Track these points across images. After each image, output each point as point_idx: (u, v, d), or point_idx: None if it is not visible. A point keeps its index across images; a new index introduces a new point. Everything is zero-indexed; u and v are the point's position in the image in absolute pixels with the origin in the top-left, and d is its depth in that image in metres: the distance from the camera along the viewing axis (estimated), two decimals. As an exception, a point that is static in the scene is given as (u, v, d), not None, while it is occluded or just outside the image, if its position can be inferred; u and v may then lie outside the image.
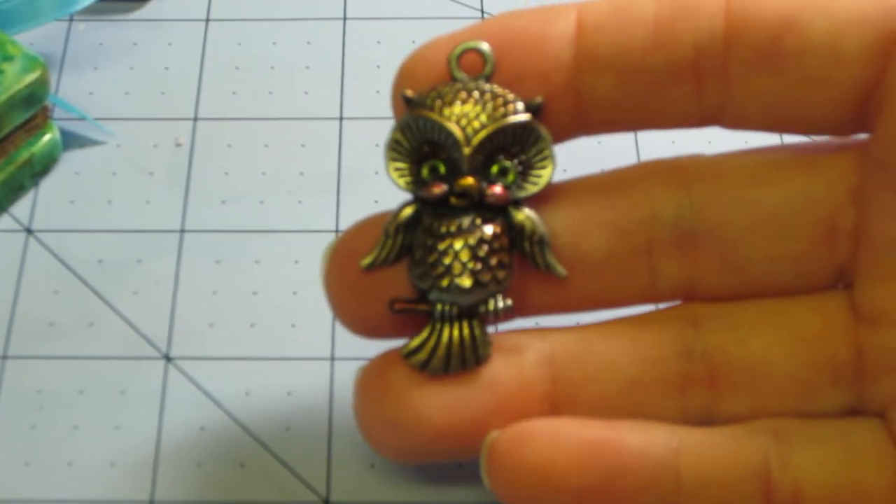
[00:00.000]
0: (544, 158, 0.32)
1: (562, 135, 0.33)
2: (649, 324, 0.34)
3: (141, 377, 0.41)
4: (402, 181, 0.33)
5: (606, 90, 0.32)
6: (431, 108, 0.32)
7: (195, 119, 0.48)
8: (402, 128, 0.32)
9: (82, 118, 0.47)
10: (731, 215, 0.33)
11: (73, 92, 0.48)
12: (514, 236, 0.32)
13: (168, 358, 0.41)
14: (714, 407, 0.33)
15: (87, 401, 0.40)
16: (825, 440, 0.32)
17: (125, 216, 0.45)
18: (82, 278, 0.43)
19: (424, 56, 0.33)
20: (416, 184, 0.32)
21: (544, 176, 0.33)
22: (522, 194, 0.32)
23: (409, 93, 0.32)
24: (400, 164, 0.32)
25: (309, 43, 0.50)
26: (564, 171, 0.34)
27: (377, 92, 0.48)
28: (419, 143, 0.32)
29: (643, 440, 0.32)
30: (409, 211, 0.33)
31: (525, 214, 0.32)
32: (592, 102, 0.33)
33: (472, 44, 0.32)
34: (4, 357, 0.41)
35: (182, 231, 0.45)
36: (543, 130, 0.32)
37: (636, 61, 0.32)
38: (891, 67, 0.31)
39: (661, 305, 0.35)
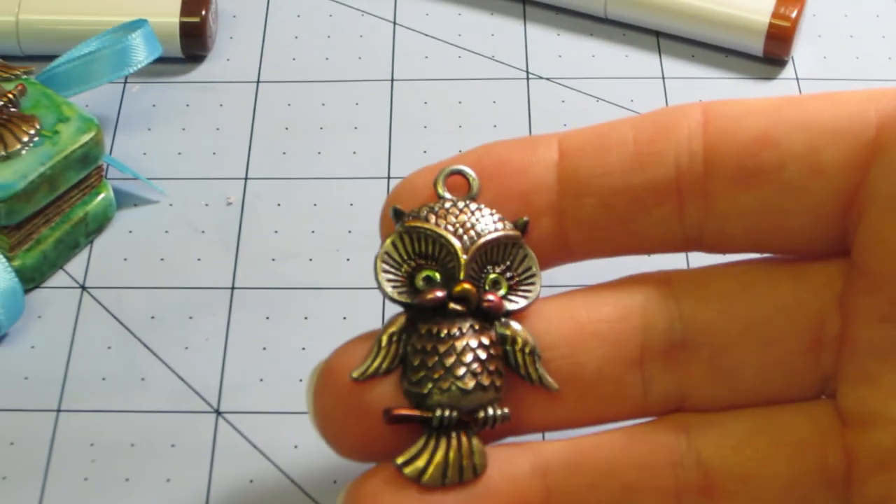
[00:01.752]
0: (532, 276, 0.33)
1: (545, 260, 0.33)
2: (642, 433, 0.33)
3: (191, 430, 0.41)
4: (393, 292, 0.32)
5: (589, 211, 0.32)
6: (426, 220, 0.32)
7: (246, 178, 0.48)
8: (395, 240, 0.32)
9: (136, 178, 0.47)
10: (721, 323, 0.33)
11: (126, 152, 0.49)
12: (506, 350, 0.32)
13: (218, 412, 0.41)
14: None
15: (138, 454, 0.40)
16: None
17: (177, 273, 0.45)
18: (135, 334, 0.44)
19: (412, 182, 0.33)
20: (409, 293, 0.32)
21: (533, 291, 0.33)
22: (513, 307, 0.32)
23: (400, 206, 0.32)
24: (391, 276, 0.32)
25: (357, 104, 0.50)
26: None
27: (424, 152, 0.48)
28: (411, 255, 0.32)
29: None
30: (401, 320, 0.32)
31: (513, 328, 0.32)
32: (575, 225, 0.33)
33: (456, 167, 0.33)
34: (59, 410, 0.41)
35: (233, 288, 0.45)
36: (529, 249, 0.33)
37: (617, 182, 0.32)
38: (869, 177, 0.31)
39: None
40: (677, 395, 0.33)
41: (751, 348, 0.33)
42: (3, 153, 0.42)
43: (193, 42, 0.51)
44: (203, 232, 0.46)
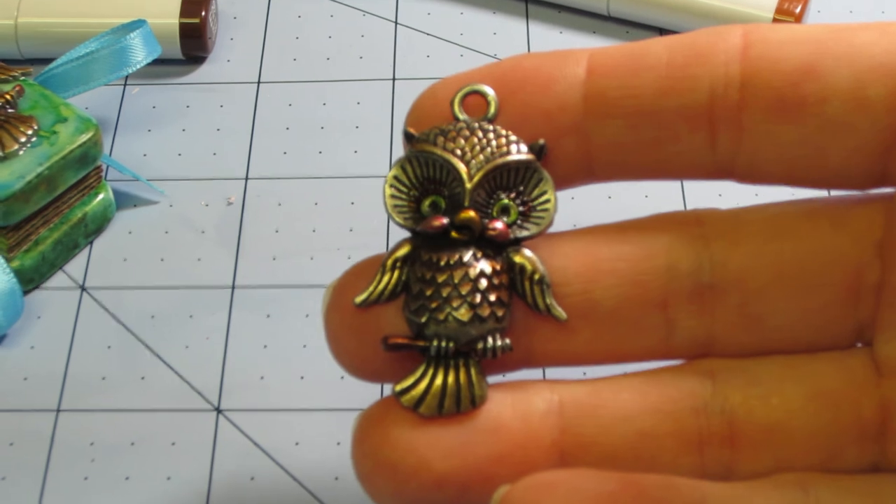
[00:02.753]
0: (546, 201, 0.32)
1: (567, 180, 0.32)
2: (664, 378, 0.32)
3: (192, 429, 0.41)
4: (400, 217, 0.32)
5: (615, 134, 0.31)
6: (434, 144, 0.31)
7: (246, 178, 0.48)
8: (403, 164, 0.32)
9: (135, 178, 0.47)
10: (753, 268, 0.31)
11: (126, 153, 0.49)
12: (513, 277, 0.31)
13: (219, 410, 0.41)
14: (733, 465, 0.32)
15: (138, 452, 0.41)
16: (853, 493, 0.30)
17: (177, 273, 0.45)
18: (135, 333, 0.44)
19: (434, 94, 0.32)
20: (416, 219, 0.32)
21: (546, 217, 0.32)
22: (523, 234, 0.32)
23: (412, 130, 0.32)
24: (399, 201, 0.32)
25: (358, 103, 0.50)
26: (574, 225, 0.33)
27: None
28: (420, 179, 0.32)
29: (665, 493, 0.30)
30: (406, 247, 0.32)
31: (524, 255, 0.31)
32: (600, 147, 0.32)
33: (474, 86, 0.32)
34: (58, 410, 0.41)
35: (233, 287, 0.45)
36: (545, 172, 0.31)
37: (647, 105, 0.31)
38: None
39: (676, 362, 0.33)
40: (704, 340, 0.32)
41: (783, 295, 0.31)
42: (1, 154, 0.42)
43: (193, 43, 0.51)
44: (203, 232, 0.46)
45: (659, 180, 0.33)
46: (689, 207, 0.33)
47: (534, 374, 0.33)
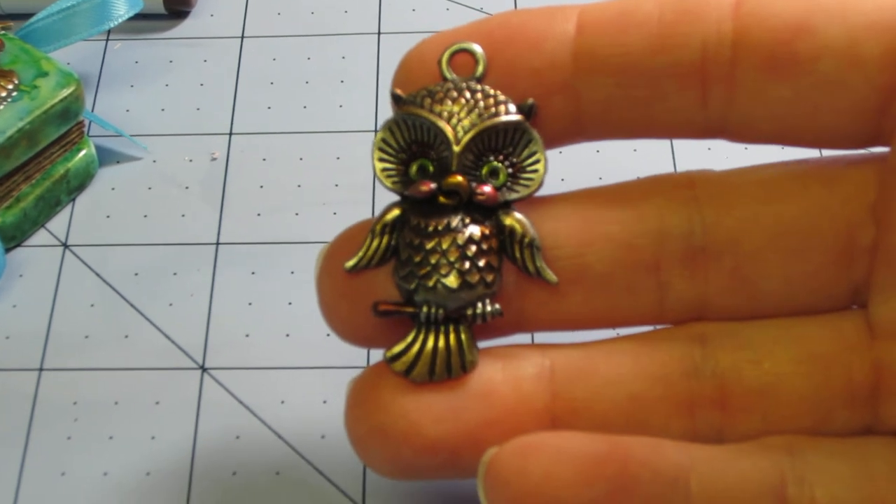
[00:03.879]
0: (536, 161, 0.31)
1: (557, 139, 0.32)
2: (655, 341, 0.32)
3: (176, 387, 0.41)
4: (388, 181, 0.31)
5: (605, 92, 0.31)
6: (421, 106, 0.31)
7: (230, 134, 0.48)
8: (391, 126, 0.31)
9: (118, 134, 0.47)
10: (745, 231, 0.31)
11: (109, 109, 0.48)
12: (504, 240, 0.31)
13: (203, 368, 0.41)
14: (724, 428, 0.32)
15: (122, 411, 0.40)
16: (841, 456, 0.30)
17: (161, 230, 0.45)
18: (118, 291, 0.43)
19: (421, 53, 0.32)
20: (404, 183, 0.31)
21: (536, 179, 0.31)
22: (513, 196, 0.31)
23: (399, 91, 0.31)
24: (388, 165, 0.32)
25: (343, 57, 0.50)
26: (562, 180, 0.33)
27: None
28: (408, 142, 0.31)
29: (652, 455, 0.30)
30: (395, 212, 0.31)
31: (514, 217, 0.31)
32: (590, 105, 0.31)
33: (462, 45, 0.31)
34: (41, 369, 0.41)
35: (217, 244, 0.44)
36: (534, 133, 0.31)
37: (637, 62, 0.31)
38: None
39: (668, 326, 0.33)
40: (696, 304, 0.32)
41: (776, 258, 0.31)
42: (-19, 109, 0.41)
43: (176, -2, 0.50)
44: (187, 188, 0.46)
45: (649, 139, 0.33)
46: (678, 162, 0.33)
47: (524, 338, 0.33)
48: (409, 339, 0.31)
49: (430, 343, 0.31)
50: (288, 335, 0.42)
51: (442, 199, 0.31)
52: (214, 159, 0.47)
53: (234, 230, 0.45)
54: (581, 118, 0.32)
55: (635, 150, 0.45)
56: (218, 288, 0.43)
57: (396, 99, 0.31)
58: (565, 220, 0.32)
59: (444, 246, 0.31)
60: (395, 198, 0.32)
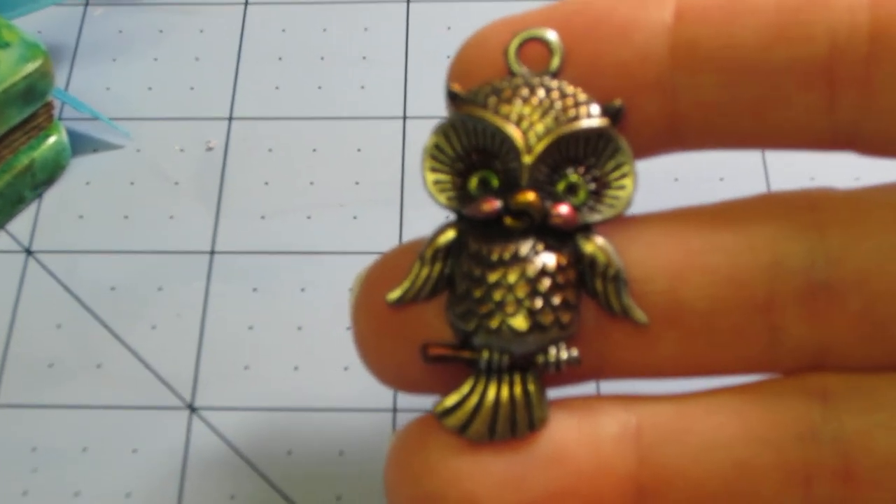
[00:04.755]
0: (623, 175, 0.29)
1: (647, 148, 0.30)
2: (764, 396, 0.30)
3: (159, 432, 0.38)
4: (442, 196, 0.29)
5: (708, 93, 0.29)
6: (485, 107, 0.29)
7: (230, 119, 0.46)
8: (446, 130, 0.29)
9: (95, 118, 0.45)
10: (879, 265, 0.29)
11: (86, 87, 0.46)
12: (583, 271, 0.29)
13: (192, 408, 0.39)
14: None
15: (91, 461, 0.38)
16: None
17: (144, 235, 0.43)
18: (90, 309, 0.41)
19: (484, 41, 0.30)
20: (462, 199, 0.29)
21: (623, 197, 0.29)
22: (595, 218, 0.29)
23: (457, 87, 0.29)
24: (442, 176, 0.30)
25: (366, 29, 0.48)
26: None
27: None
28: (467, 150, 0.29)
29: None
30: (451, 233, 0.29)
31: (596, 244, 0.29)
32: (689, 108, 0.30)
33: (534, 32, 0.29)
34: None
35: (212, 252, 0.42)
36: (622, 141, 0.29)
37: (749, 58, 0.29)
38: None
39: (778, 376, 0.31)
40: (815, 351, 0.30)
41: None
42: (-74, 85, 0.40)
43: (168, -45, 0.49)
44: (177, 183, 0.44)
45: (760, 148, 0.31)
46: (769, 166, 0.33)
47: (604, 388, 0.32)
48: (466, 389, 0.29)
49: (491, 395, 0.29)
50: (297, 368, 0.39)
51: (509, 220, 0.28)
52: (210, 149, 0.45)
53: (233, 236, 0.43)
54: (678, 124, 0.30)
55: (722, 180, 0.43)
56: (212, 307, 0.41)
57: (454, 97, 0.29)
58: (658, 247, 0.30)
59: (511, 279, 0.28)
60: (443, 212, 0.30)
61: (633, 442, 0.29)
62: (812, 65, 0.29)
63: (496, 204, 0.28)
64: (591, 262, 0.29)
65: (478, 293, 0.28)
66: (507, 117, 0.29)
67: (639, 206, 0.31)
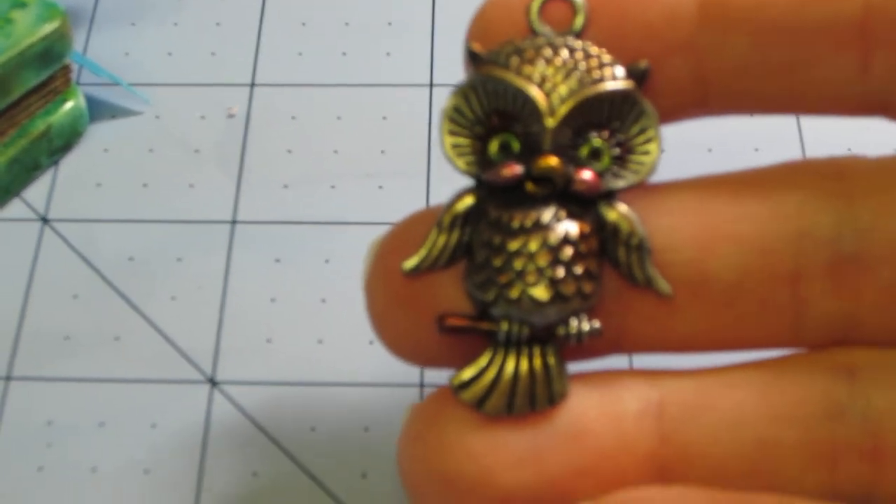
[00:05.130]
0: (648, 140, 0.29)
1: (674, 112, 0.30)
2: (790, 372, 0.30)
3: (178, 406, 0.38)
4: (461, 161, 0.29)
5: (737, 54, 0.29)
6: (506, 67, 0.28)
7: (252, 85, 0.45)
8: (466, 92, 0.29)
9: (114, 83, 0.45)
10: None
11: (104, 52, 0.46)
12: (606, 240, 0.29)
13: (213, 382, 0.39)
14: (876, 484, 0.29)
15: (108, 436, 0.38)
16: None
17: (163, 203, 0.43)
18: (108, 280, 0.41)
19: (501, 4, 0.30)
20: (482, 164, 0.29)
21: (647, 163, 0.29)
22: (619, 184, 0.29)
23: (478, 47, 0.29)
24: (461, 140, 0.29)
25: None
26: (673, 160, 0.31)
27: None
28: (487, 112, 0.29)
29: None
30: (469, 199, 0.29)
31: (620, 212, 0.29)
32: (718, 71, 0.29)
33: None
34: (8, 378, 0.38)
35: (234, 222, 0.42)
36: (647, 104, 0.29)
37: (781, 17, 0.28)
38: None
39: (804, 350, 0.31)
40: (843, 325, 0.29)
41: None
42: (-60, 46, 0.40)
43: (189, -84, 0.48)
44: (197, 151, 0.44)
45: (790, 113, 0.31)
46: (805, 132, 0.33)
47: (621, 360, 0.32)
48: (483, 361, 0.28)
49: (510, 368, 0.28)
50: (321, 341, 0.39)
51: (530, 186, 0.28)
52: (232, 116, 0.45)
53: (255, 206, 0.42)
54: (705, 87, 0.29)
55: (757, 150, 0.43)
56: (233, 279, 0.41)
57: (473, 57, 0.29)
58: (683, 216, 0.29)
59: (533, 247, 0.28)
60: (467, 181, 0.29)
61: (655, 419, 0.29)
62: (846, 24, 0.28)
63: (517, 169, 0.28)
64: (614, 230, 0.29)
65: (497, 262, 0.28)
66: (529, 78, 0.28)
67: (671, 178, 0.31)
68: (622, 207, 0.29)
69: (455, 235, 0.29)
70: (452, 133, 0.29)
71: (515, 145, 0.29)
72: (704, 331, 0.30)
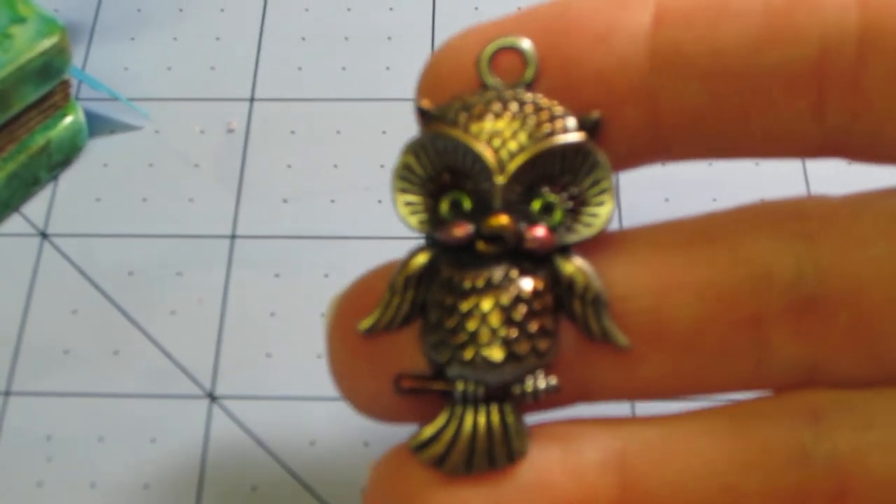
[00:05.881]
0: (602, 192, 0.29)
1: (629, 159, 0.29)
2: (753, 417, 0.29)
3: (178, 421, 0.38)
4: (414, 219, 0.29)
5: (692, 101, 0.28)
6: (455, 124, 0.28)
7: (251, 100, 0.45)
8: (416, 149, 0.29)
9: (114, 98, 0.45)
10: (871, 278, 0.28)
11: (103, 66, 0.46)
12: (561, 294, 0.29)
13: (212, 397, 0.39)
14: None
15: (108, 451, 0.38)
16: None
17: (163, 218, 0.42)
18: (107, 295, 0.41)
19: (455, 52, 0.29)
20: (434, 222, 0.29)
21: (601, 215, 0.28)
22: (573, 238, 0.28)
23: (426, 104, 0.29)
24: (413, 198, 0.29)
25: (391, 9, 0.48)
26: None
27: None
28: (437, 170, 0.29)
29: None
30: (423, 258, 0.28)
31: (576, 266, 0.28)
32: (671, 117, 0.28)
33: (508, 41, 0.28)
34: (7, 392, 0.38)
35: (233, 237, 0.42)
36: (601, 156, 0.28)
37: (735, 63, 0.28)
38: None
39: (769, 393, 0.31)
40: (806, 366, 0.29)
41: None
42: (-61, 61, 0.40)
43: (188, -68, 0.48)
44: (197, 165, 0.44)
45: (747, 157, 0.30)
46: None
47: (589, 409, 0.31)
48: (441, 421, 0.28)
49: (468, 426, 0.28)
50: (320, 356, 0.38)
51: (481, 245, 0.28)
52: (231, 131, 0.44)
53: (255, 220, 0.42)
54: (660, 133, 0.29)
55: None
56: (232, 293, 0.41)
57: (422, 114, 0.29)
58: (640, 264, 0.29)
59: (485, 308, 0.28)
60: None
61: (618, 469, 0.29)
62: (802, 68, 0.28)
63: (467, 228, 0.28)
64: (570, 284, 0.28)
65: (450, 323, 0.28)
66: (477, 135, 0.28)
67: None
68: (577, 261, 0.29)
69: (409, 295, 0.29)
70: (404, 191, 0.29)
71: (467, 203, 0.28)
72: (667, 378, 0.30)
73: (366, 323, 0.29)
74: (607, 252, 0.29)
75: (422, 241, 0.29)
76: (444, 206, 0.29)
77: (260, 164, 0.43)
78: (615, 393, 0.30)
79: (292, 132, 0.44)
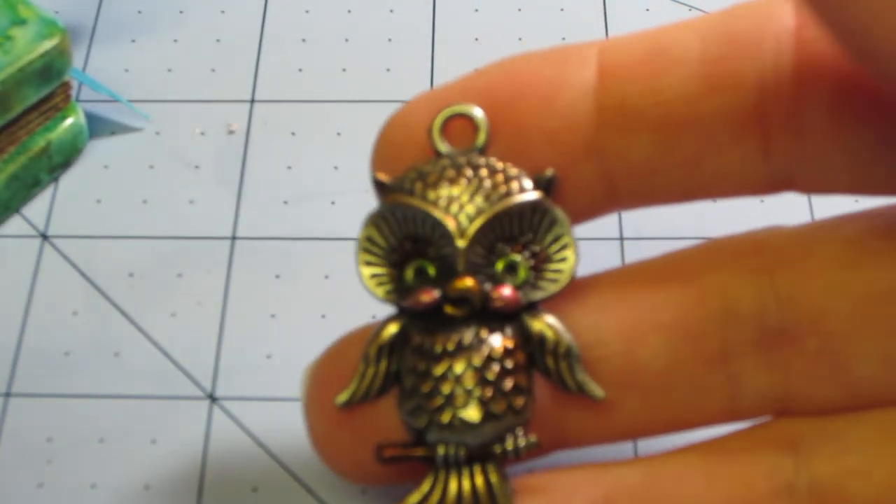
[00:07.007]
0: (563, 247, 0.29)
1: (586, 212, 0.30)
2: (734, 451, 0.30)
3: (178, 422, 0.38)
4: (380, 290, 0.29)
5: (641, 152, 0.29)
6: (412, 193, 0.29)
7: (252, 101, 0.45)
8: (377, 221, 0.29)
9: (114, 99, 0.44)
10: (831, 304, 0.29)
11: (104, 68, 0.46)
12: (533, 351, 0.29)
13: (213, 398, 0.38)
14: None
15: (108, 452, 0.37)
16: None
17: (163, 220, 0.42)
18: (108, 296, 0.40)
19: (405, 122, 0.30)
20: (400, 291, 0.29)
21: (565, 270, 0.29)
22: (539, 295, 0.29)
23: (382, 176, 0.29)
24: (377, 269, 0.29)
25: (391, 11, 0.47)
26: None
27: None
28: (399, 239, 0.29)
29: None
30: (393, 328, 0.29)
31: (544, 322, 0.29)
32: (623, 169, 0.29)
33: (457, 109, 0.29)
34: (7, 394, 0.38)
35: (234, 238, 0.42)
36: (559, 212, 0.29)
37: (679, 112, 0.28)
38: None
39: (746, 424, 0.31)
40: (779, 396, 0.30)
41: (872, 335, 0.28)
42: (-61, 63, 0.39)
43: (188, -66, 0.48)
44: (197, 167, 0.43)
45: (699, 200, 0.31)
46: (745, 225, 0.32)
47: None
48: (426, 487, 0.29)
49: (453, 490, 0.29)
50: None
51: (449, 309, 0.28)
52: (232, 133, 0.44)
53: (255, 222, 0.42)
54: (614, 186, 0.30)
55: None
56: (233, 294, 0.40)
57: (380, 186, 0.29)
58: (607, 309, 0.30)
59: (458, 370, 0.28)
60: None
61: None
62: (743, 113, 0.28)
63: (434, 294, 0.28)
64: (540, 340, 0.28)
65: (425, 388, 0.28)
66: (435, 202, 0.28)
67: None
68: (546, 317, 0.29)
69: (383, 365, 0.29)
70: (368, 263, 0.29)
71: (431, 270, 0.29)
72: (642, 419, 0.30)
73: (342, 397, 0.29)
74: (574, 300, 0.30)
75: (392, 311, 0.29)
76: (409, 274, 0.29)
77: (260, 165, 0.43)
78: (592, 438, 0.30)
79: (293, 134, 0.44)
